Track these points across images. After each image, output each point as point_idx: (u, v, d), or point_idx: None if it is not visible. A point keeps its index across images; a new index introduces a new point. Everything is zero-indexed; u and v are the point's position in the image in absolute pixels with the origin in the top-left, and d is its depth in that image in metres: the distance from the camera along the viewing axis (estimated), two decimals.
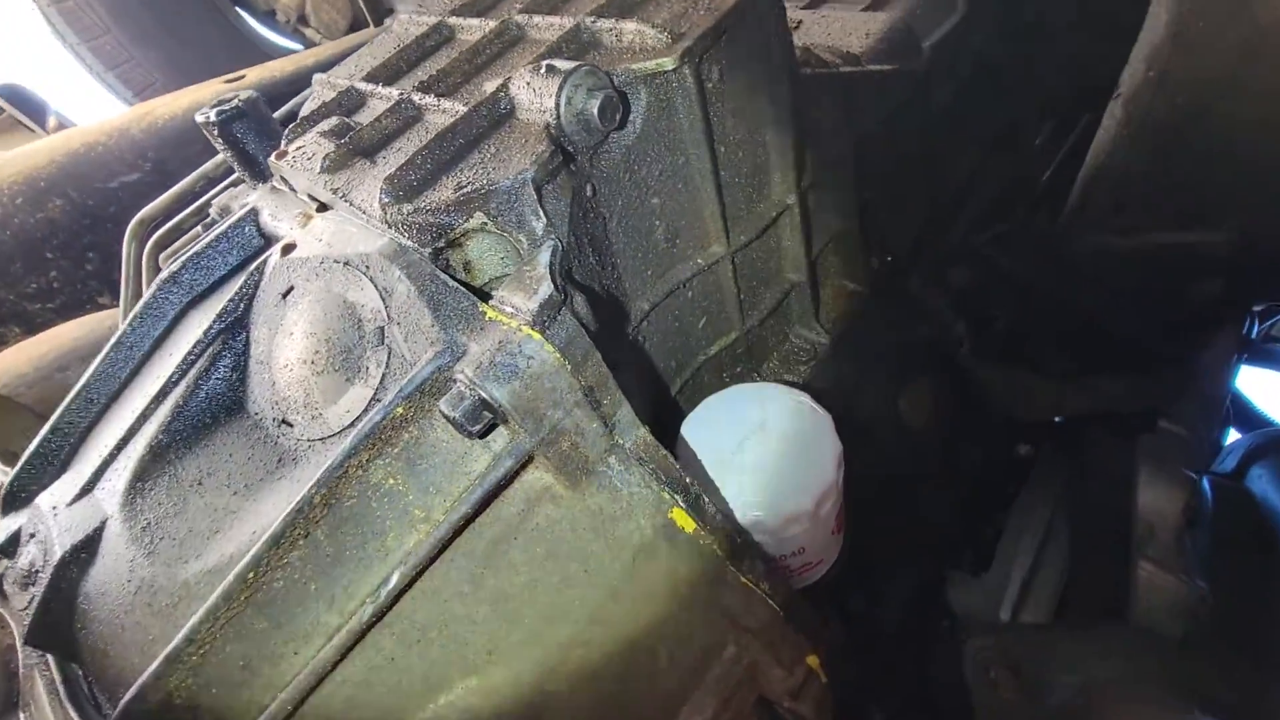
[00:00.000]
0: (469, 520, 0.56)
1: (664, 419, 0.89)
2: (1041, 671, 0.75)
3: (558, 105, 0.62)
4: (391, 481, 0.56)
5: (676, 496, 0.65)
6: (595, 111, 0.63)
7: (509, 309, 0.57)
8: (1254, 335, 1.19)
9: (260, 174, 0.83)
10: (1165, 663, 0.73)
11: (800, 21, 1.10)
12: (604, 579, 0.61)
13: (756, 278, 0.95)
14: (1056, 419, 1.21)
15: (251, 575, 0.55)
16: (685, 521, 0.66)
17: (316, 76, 0.92)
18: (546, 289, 0.56)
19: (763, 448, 0.77)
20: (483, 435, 0.56)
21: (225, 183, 1.08)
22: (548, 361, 0.55)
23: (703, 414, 0.84)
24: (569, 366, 0.56)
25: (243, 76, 2.05)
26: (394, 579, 0.56)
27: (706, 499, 0.67)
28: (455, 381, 0.55)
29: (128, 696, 0.54)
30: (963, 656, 0.82)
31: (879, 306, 1.17)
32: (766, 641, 0.70)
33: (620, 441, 0.62)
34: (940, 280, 1.27)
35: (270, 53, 3.41)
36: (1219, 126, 0.72)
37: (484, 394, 0.54)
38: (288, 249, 0.69)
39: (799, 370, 1.09)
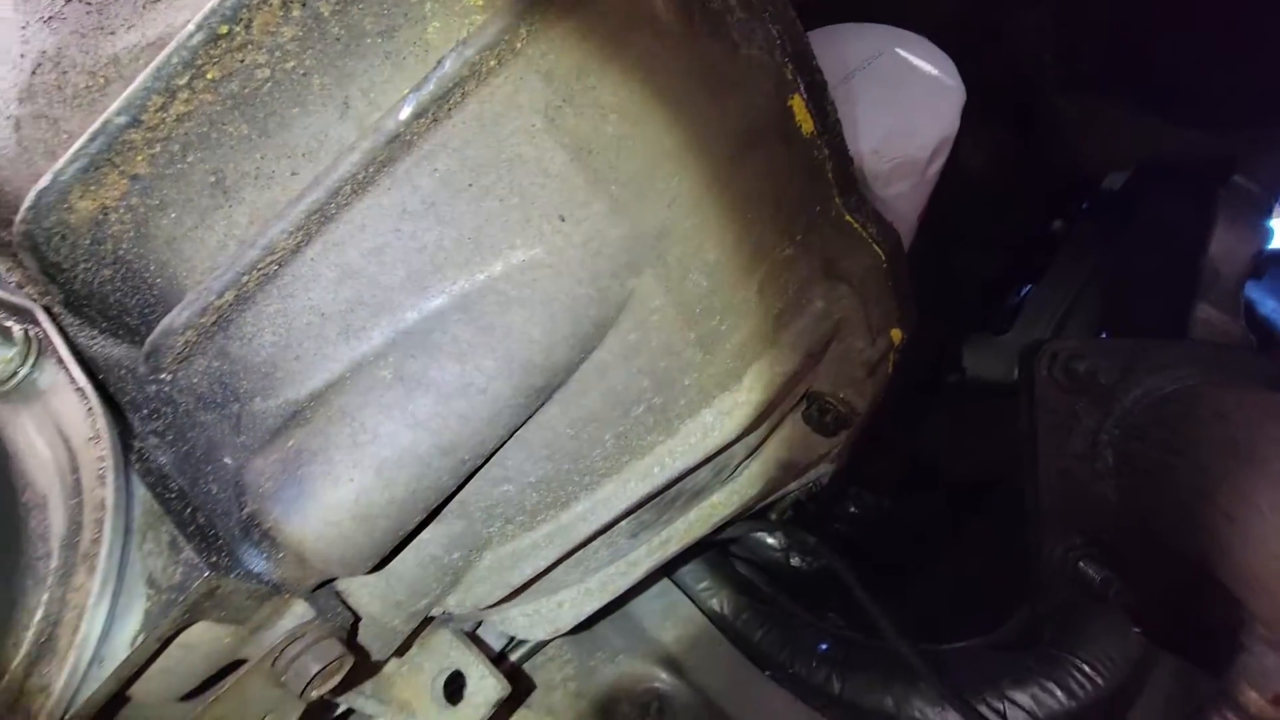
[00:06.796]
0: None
1: None
2: (1125, 373, 0.68)
3: None
4: None
5: (800, 79, 0.49)
6: None
7: None
8: None
9: None
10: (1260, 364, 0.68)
11: None
12: (705, 151, 0.46)
13: None
14: (1117, 175, 1.11)
15: (218, 51, 0.37)
16: (804, 117, 0.51)
17: None
18: None
19: (876, 79, 0.61)
20: None
21: None
22: None
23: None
24: None
25: None
26: (431, 83, 0.39)
27: (830, 94, 0.52)
28: None
29: (25, 205, 0.37)
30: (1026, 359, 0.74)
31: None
32: (861, 297, 0.59)
33: None
34: (1028, 10, 1.09)
35: None
36: None
37: None
38: None
39: None
